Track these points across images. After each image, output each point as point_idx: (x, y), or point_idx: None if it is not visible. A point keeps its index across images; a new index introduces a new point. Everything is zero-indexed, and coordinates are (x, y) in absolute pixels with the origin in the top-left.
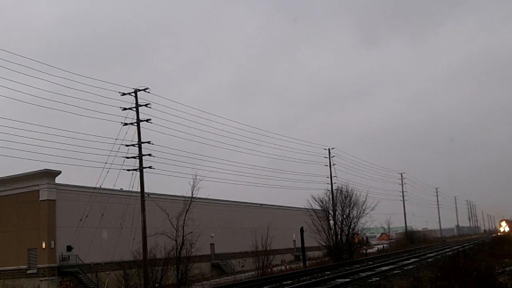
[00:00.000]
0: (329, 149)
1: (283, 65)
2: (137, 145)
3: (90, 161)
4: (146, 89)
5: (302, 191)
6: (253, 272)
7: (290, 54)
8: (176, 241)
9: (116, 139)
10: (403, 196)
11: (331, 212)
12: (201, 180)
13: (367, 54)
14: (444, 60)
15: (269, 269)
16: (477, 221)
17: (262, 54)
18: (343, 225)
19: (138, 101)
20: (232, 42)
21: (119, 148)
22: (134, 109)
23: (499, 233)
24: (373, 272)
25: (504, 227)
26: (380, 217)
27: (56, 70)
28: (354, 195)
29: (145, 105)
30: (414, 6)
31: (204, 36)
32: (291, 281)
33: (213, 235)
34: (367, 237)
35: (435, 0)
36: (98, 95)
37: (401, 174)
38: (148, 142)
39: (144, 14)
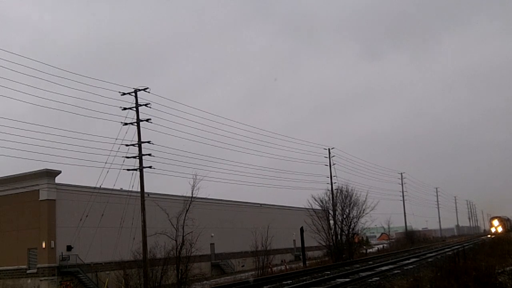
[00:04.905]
0: (329, 149)
1: (289, 76)
2: (137, 145)
3: (90, 161)
4: (146, 89)
5: (303, 192)
6: (253, 272)
7: (296, 66)
8: (176, 241)
9: (116, 139)
10: (403, 196)
11: (331, 212)
12: (201, 180)
13: (369, 66)
14: (442, 70)
15: (269, 269)
16: (477, 221)
17: (270, 65)
18: (343, 225)
19: (138, 101)
20: (243, 54)
21: (119, 148)
22: (134, 109)
23: (490, 235)
24: (373, 272)
25: (496, 227)
26: (380, 217)
27: (60, 72)
28: (354, 195)
29: (145, 105)
30: (413, 22)
31: (217, 49)
32: (291, 281)
33: (213, 235)
34: (367, 237)
35: (433, 16)
36: (98, 95)
37: (401, 174)
38: (148, 142)
39: (162, 29)
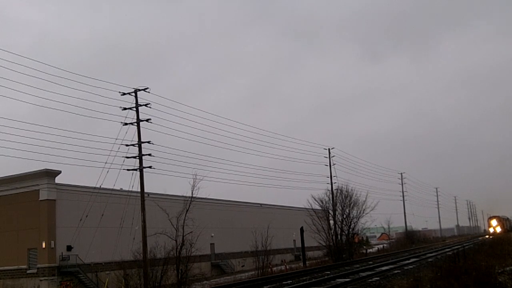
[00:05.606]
0: (329, 149)
1: (290, 76)
2: (137, 145)
3: (91, 161)
4: (146, 89)
5: (303, 192)
6: (253, 272)
7: (297, 67)
8: (176, 241)
9: (116, 139)
10: (403, 196)
11: (331, 212)
12: (201, 180)
13: (369, 66)
14: (442, 70)
15: (269, 269)
16: (477, 221)
17: (271, 66)
18: (343, 225)
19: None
20: (244, 55)
21: (119, 148)
22: (134, 109)
23: (488, 235)
24: (373, 272)
25: (494, 227)
26: (380, 217)
27: (61, 72)
28: (354, 195)
29: (145, 105)
30: (413, 23)
31: (218, 50)
32: (291, 281)
33: (213, 235)
34: (367, 237)
35: (433, 17)
36: (99, 95)
37: (401, 174)
38: (148, 142)
39: (163, 30)
